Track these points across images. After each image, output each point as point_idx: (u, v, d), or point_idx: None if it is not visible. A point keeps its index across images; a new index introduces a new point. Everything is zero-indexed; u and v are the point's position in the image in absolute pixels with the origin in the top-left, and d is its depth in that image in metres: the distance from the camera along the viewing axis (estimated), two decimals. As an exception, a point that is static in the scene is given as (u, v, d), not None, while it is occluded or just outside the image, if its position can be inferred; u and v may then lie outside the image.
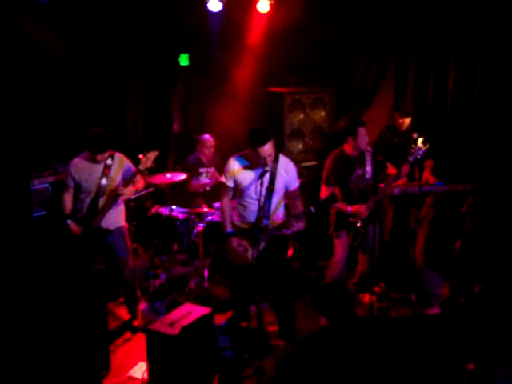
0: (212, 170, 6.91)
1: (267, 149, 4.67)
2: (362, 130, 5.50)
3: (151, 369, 4.56)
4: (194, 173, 6.80)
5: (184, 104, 8.35)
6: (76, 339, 4.54)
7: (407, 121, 6.38)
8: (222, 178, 5.02)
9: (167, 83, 8.06)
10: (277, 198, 4.92)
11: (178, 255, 6.82)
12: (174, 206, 6.57)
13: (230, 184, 4.94)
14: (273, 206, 4.90)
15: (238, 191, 4.95)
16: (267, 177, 4.81)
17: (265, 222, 4.82)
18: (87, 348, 4.62)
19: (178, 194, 6.96)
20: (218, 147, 7.11)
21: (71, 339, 4.51)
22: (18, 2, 5.71)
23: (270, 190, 4.83)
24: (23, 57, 5.98)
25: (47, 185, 6.63)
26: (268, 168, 4.75)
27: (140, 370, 4.83)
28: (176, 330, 4.41)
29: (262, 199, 4.75)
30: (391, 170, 6.08)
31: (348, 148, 5.62)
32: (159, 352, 4.49)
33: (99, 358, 4.80)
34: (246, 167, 4.90)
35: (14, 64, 5.57)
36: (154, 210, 6.71)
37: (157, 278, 6.26)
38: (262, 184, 4.70)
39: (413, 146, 5.53)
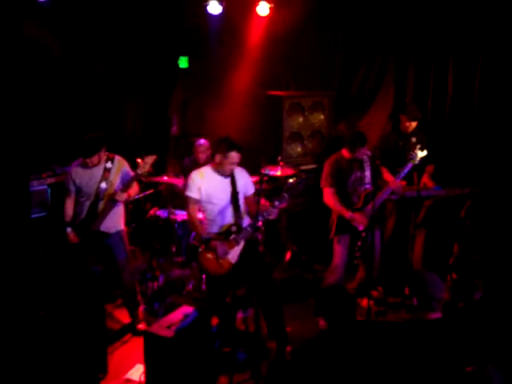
0: None
1: (239, 156, 4.93)
2: (361, 149, 5.54)
3: (148, 371, 4.56)
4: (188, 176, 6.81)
5: (183, 106, 8.36)
6: (74, 341, 4.53)
7: (414, 124, 6.34)
8: (187, 193, 5.07)
9: (166, 86, 8.07)
10: (242, 202, 5.10)
11: (175, 257, 6.80)
12: (171, 209, 6.57)
13: (196, 196, 5.01)
14: (242, 207, 5.07)
15: (207, 201, 5.03)
16: (229, 184, 5.04)
17: (240, 221, 4.99)
18: (85, 350, 4.61)
19: (175, 196, 6.96)
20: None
21: (69, 341, 4.50)
22: (19, 5, 5.71)
23: (235, 194, 5.04)
24: (22, 58, 5.98)
25: (46, 186, 6.62)
26: (233, 173, 5.00)
27: (137, 372, 4.83)
28: (173, 333, 4.41)
29: (232, 204, 4.98)
30: (387, 175, 6.08)
31: (345, 152, 5.65)
32: (157, 354, 4.49)
33: (97, 360, 4.80)
34: (210, 178, 5.03)
35: (13, 65, 5.57)
36: (152, 212, 6.71)
37: (155, 281, 6.27)
38: (231, 188, 4.98)
39: (410, 152, 5.56)
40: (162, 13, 7.38)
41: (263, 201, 5.56)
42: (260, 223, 5.10)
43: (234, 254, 4.94)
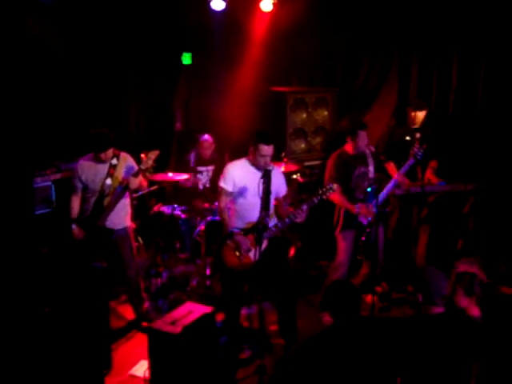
0: (211, 168, 6.96)
1: (271, 149, 4.87)
2: (362, 133, 5.54)
3: (153, 367, 4.56)
4: (193, 171, 6.83)
5: (186, 102, 8.35)
6: (78, 337, 4.54)
7: (420, 115, 6.32)
8: (221, 184, 5.06)
9: (170, 82, 8.06)
10: (272, 199, 5.03)
11: (179, 254, 6.82)
12: (175, 205, 6.58)
13: (229, 189, 5.00)
14: (271, 206, 4.99)
15: (239, 194, 5.01)
16: (264, 180, 4.90)
17: (267, 220, 4.87)
18: (89, 346, 4.62)
19: (178, 192, 6.97)
20: (220, 146, 7.12)
21: (73, 337, 4.51)
22: (22, 3, 5.71)
23: (268, 191, 4.90)
24: (26, 55, 5.98)
25: (50, 183, 6.62)
26: (270, 167, 4.88)
27: (142, 368, 4.84)
28: (178, 329, 4.42)
29: (263, 199, 4.81)
30: (392, 170, 6.08)
31: (349, 148, 5.65)
32: (161, 350, 4.50)
33: (101, 356, 4.80)
34: (244, 171, 5.01)
35: (16, 63, 5.58)
36: (155, 208, 6.72)
37: (159, 277, 6.28)
38: (262, 184, 4.79)
39: (413, 148, 5.56)
40: (166, 9, 7.37)
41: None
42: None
43: (255, 252, 4.82)
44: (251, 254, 4.88)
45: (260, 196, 4.76)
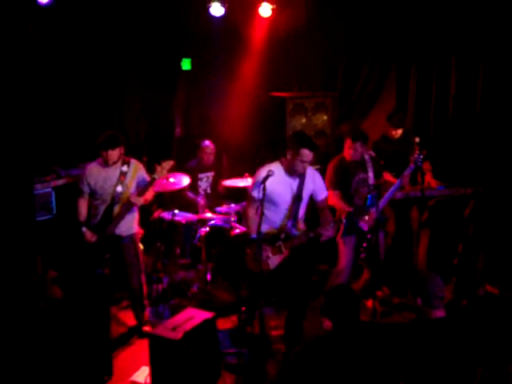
0: (211, 174, 6.96)
1: (312, 155, 4.71)
2: (358, 144, 5.53)
3: (154, 373, 4.56)
4: (193, 178, 6.83)
5: (186, 108, 8.36)
6: (79, 344, 4.54)
7: (399, 131, 6.37)
8: (250, 189, 4.90)
9: (169, 88, 8.08)
10: (303, 207, 4.93)
11: (180, 259, 6.82)
12: (176, 211, 6.58)
13: (258, 195, 4.68)
14: (300, 215, 4.90)
15: (268, 200, 4.71)
16: (296, 185, 4.82)
17: (291, 229, 4.81)
18: (90, 352, 4.62)
19: (178, 198, 6.97)
20: (220, 152, 7.13)
21: (74, 344, 4.51)
22: (21, 6, 5.72)
23: (299, 198, 4.82)
24: (26, 61, 5.99)
25: (50, 189, 6.63)
26: (305, 174, 4.76)
27: (143, 374, 4.83)
28: (179, 335, 4.42)
29: (291, 207, 4.77)
30: (388, 177, 6.09)
31: (347, 154, 5.64)
32: (162, 356, 4.50)
33: (102, 362, 4.80)
34: (277, 176, 4.73)
35: (16, 67, 5.58)
36: (156, 214, 6.72)
37: (159, 283, 6.27)
38: (295, 191, 4.74)
39: (414, 155, 5.55)
40: (165, 15, 7.39)
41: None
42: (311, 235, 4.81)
43: (274, 261, 4.77)
44: (269, 262, 4.79)
45: (290, 202, 4.69)
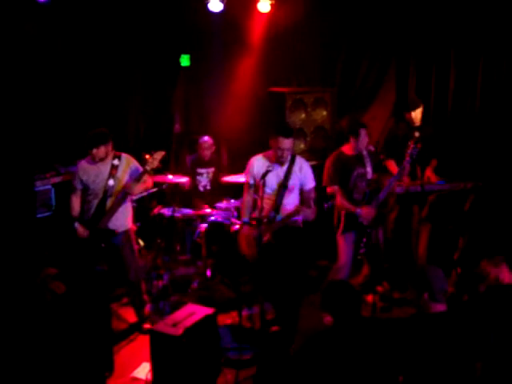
0: (211, 170, 6.96)
1: (289, 142, 4.99)
2: (363, 132, 5.52)
3: (155, 369, 4.57)
4: (192, 172, 6.83)
5: (185, 104, 8.35)
6: (80, 340, 4.54)
7: (418, 112, 6.32)
8: (245, 176, 5.29)
9: (168, 84, 8.07)
10: (290, 195, 5.12)
11: (180, 256, 6.83)
12: (176, 207, 6.58)
13: (251, 181, 5.20)
14: (284, 202, 5.08)
15: (258, 187, 5.13)
16: (282, 174, 5.10)
17: (273, 214, 5.05)
18: (91, 349, 4.63)
19: (178, 194, 6.98)
20: (220, 147, 7.13)
21: (75, 340, 4.51)
22: (19, 3, 5.72)
23: (284, 186, 5.07)
24: (25, 58, 5.99)
25: (49, 186, 6.63)
26: (286, 164, 5.04)
27: (144, 370, 4.84)
28: (179, 331, 4.42)
29: (276, 194, 5.04)
30: (393, 168, 6.10)
31: (346, 148, 5.64)
32: (163, 352, 4.50)
33: (103, 358, 4.81)
34: (265, 165, 5.09)
35: (16, 66, 5.58)
36: (156, 210, 6.72)
37: (160, 279, 6.28)
38: (278, 179, 5.03)
39: (408, 145, 5.53)
40: (163, 11, 7.38)
41: None
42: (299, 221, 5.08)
43: (258, 243, 4.93)
44: (254, 244, 4.97)
45: (276, 189, 4.97)
